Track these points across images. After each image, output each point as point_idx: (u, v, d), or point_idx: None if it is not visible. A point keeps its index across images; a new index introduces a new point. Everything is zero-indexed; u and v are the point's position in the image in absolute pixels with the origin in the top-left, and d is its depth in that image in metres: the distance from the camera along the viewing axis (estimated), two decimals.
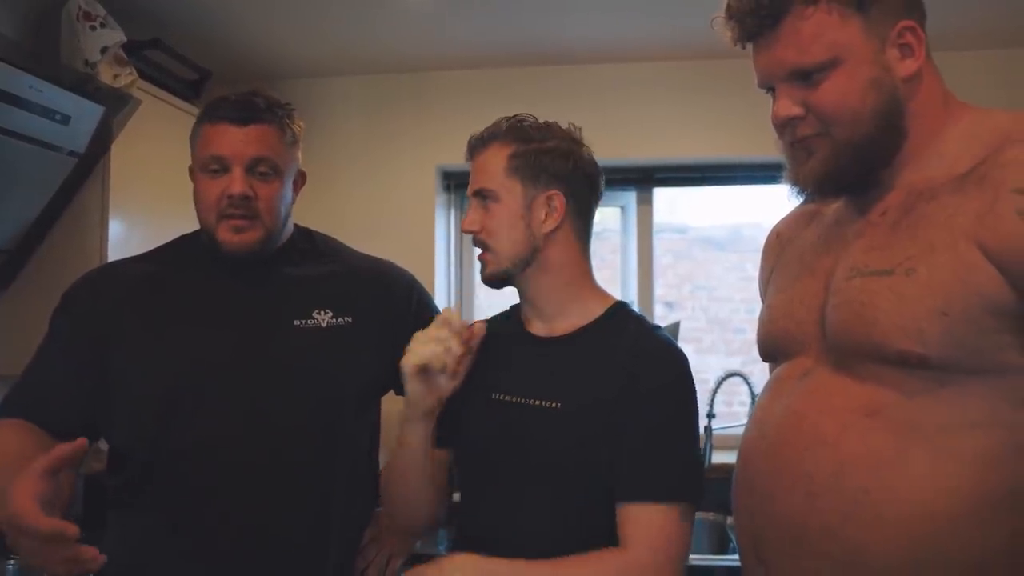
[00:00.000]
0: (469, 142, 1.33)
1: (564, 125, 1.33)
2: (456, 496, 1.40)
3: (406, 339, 1.44)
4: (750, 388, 2.72)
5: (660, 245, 3.13)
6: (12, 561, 1.83)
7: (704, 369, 3.00)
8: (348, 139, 2.96)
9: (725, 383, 2.75)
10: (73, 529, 1.02)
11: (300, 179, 1.50)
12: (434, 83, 2.93)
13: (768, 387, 1.15)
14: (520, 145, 1.28)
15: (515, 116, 1.32)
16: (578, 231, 1.32)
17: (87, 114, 1.95)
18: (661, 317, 3.09)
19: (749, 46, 1.07)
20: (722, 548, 2.45)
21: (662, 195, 3.06)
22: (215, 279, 1.42)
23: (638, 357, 1.24)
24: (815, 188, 1.07)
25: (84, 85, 1.96)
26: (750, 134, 2.45)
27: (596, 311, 1.32)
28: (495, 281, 1.32)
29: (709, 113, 2.80)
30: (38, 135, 1.86)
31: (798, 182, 1.07)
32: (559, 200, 1.28)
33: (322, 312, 1.43)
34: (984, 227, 0.90)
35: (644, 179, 2.97)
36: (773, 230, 1.32)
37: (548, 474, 1.23)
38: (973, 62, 2.44)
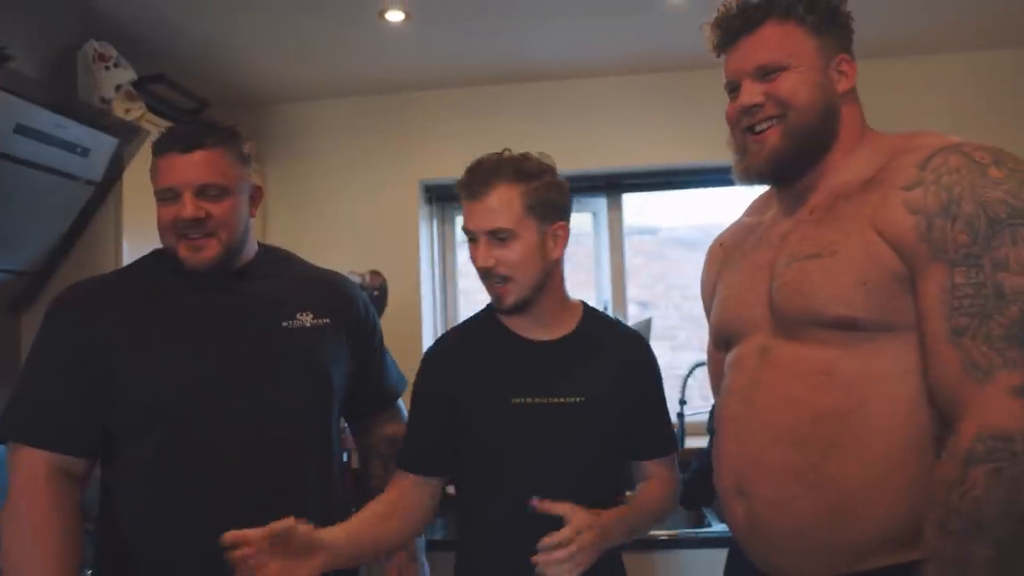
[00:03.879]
0: (467, 184, 1.39)
1: (534, 147, 1.44)
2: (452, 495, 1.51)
3: (363, 343, 1.64)
4: None
5: (633, 247, 3.29)
6: None
7: (679, 364, 3.10)
8: (336, 158, 3.12)
9: (696, 371, 2.95)
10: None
11: (257, 193, 1.55)
12: (414, 103, 3.10)
13: (731, 367, 1.36)
14: (525, 184, 1.38)
15: (501, 153, 1.41)
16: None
17: (103, 146, 2.11)
18: (635, 316, 3.23)
19: (722, 57, 1.31)
20: (698, 522, 2.63)
21: (633, 199, 3.26)
22: (199, 292, 1.48)
23: (625, 345, 1.51)
24: (768, 169, 1.29)
25: (100, 119, 2.11)
26: (709, 141, 2.56)
27: (577, 314, 1.50)
28: (515, 308, 1.42)
29: (671, 122, 3.00)
30: (59, 166, 2.01)
31: (751, 168, 1.30)
32: (565, 230, 1.43)
33: (304, 314, 1.53)
34: (879, 216, 1.16)
35: (613, 185, 3.18)
36: (716, 241, 1.56)
37: (576, 459, 1.41)
38: (954, 64, 2.45)
